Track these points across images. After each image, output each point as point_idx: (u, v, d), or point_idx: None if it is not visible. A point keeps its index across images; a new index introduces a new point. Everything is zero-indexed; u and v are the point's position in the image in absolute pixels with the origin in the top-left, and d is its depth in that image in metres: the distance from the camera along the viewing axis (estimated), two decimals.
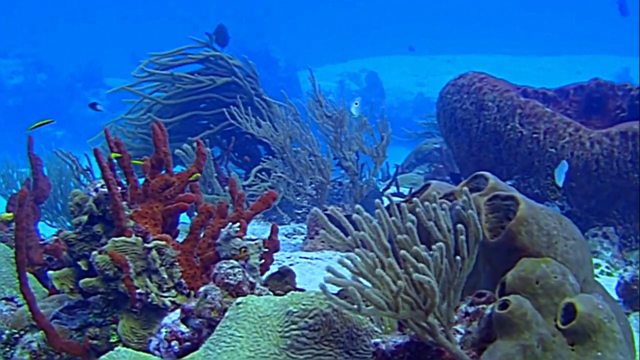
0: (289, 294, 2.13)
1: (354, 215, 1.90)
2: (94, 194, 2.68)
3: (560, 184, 4.13)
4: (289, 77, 19.10)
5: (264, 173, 5.34)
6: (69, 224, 6.11)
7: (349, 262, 1.77)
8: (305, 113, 4.68)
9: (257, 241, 2.51)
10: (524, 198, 2.20)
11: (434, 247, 1.82)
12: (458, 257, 1.89)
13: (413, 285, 1.84)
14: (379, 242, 1.83)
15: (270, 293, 2.50)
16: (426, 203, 2.01)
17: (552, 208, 4.36)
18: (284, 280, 2.79)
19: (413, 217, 1.88)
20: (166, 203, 2.70)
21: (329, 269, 1.75)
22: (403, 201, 2.65)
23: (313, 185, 4.42)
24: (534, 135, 4.33)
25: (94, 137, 6.04)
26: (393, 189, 6.08)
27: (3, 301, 3.00)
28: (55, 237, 3.65)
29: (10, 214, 3.73)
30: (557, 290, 2.01)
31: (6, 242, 3.57)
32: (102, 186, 2.68)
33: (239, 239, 2.50)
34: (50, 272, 3.25)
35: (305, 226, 5.15)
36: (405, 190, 6.19)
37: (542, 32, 35.74)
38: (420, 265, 1.75)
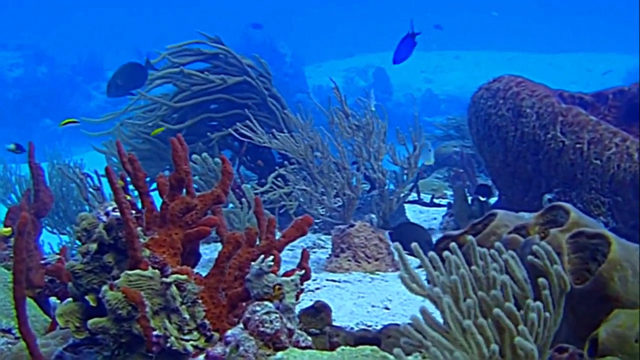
0: (338, 349, 1.80)
1: (430, 253, 1.59)
2: (104, 218, 2.34)
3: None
4: (296, 73, 18.72)
5: (279, 179, 5.01)
6: (69, 228, 5.77)
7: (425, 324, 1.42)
8: (317, 115, 4.39)
9: (293, 278, 2.17)
10: (616, 237, 1.86)
11: (530, 305, 1.49)
12: (547, 314, 1.56)
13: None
14: (466, 296, 1.49)
15: (305, 334, 2.17)
16: (498, 244, 1.67)
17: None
18: (319, 317, 2.46)
19: (500, 274, 1.54)
20: (186, 229, 2.37)
21: (414, 320, 1.41)
22: (463, 232, 2.32)
23: (338, 198, 4.08)
24: (577, 146, 3.99)
25: (94, 133, 5.71)
26: (413, 196, 5.74)
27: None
28: (57, 256, 3.33)
29: (9, 229, 3.39)
30: None
31: (3, 262, 3.25)
32: (113, 209, 2.34)
33: (272, 275, 2.16)
34: (52, 299, 2.93)
35: (324, 237, 4.82)
36: (426, 197, 5.85)
37: (552, 29, 35.24)
38: (521, 327, 1.42)
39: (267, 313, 1.98)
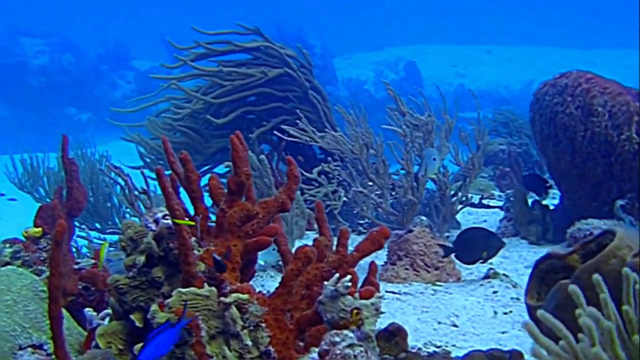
0: None
1: (547, 316, 1.25)
2: (153, 226, 2.05)
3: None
4: (325, 65, 18.29)
5: (322, 176, 4.73)
6: (97, 224, 5.47)
7: None
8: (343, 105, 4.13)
9: (373, 301, 1.87)
10: None
11: None
12: None
13: None
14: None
15: None
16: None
17: None
18: (393, 342, 2.16)
19: None
20: (245, 240, 2.07)
21: None
22: (571, 252, 2.00)
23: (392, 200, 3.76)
24: None
25: (125, 124, 5.42)
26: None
27: (30, 349, 2.38)
28: (92, 261, 3.05)
29: (39, 230, 3.11)
30: None
31: (34, 267, 2.96)
32: (164, 216, 2.04)
33: (350, 298, 1.85)
34: (87, 311, 2.63)
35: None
36: (473, 198, 5.52)
37: (586, 24, 34.47)
38: None
39: (350, 346, 1.68)
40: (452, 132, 3.84)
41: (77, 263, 2.96)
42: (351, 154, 3.71)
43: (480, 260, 3.45)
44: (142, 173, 3.50)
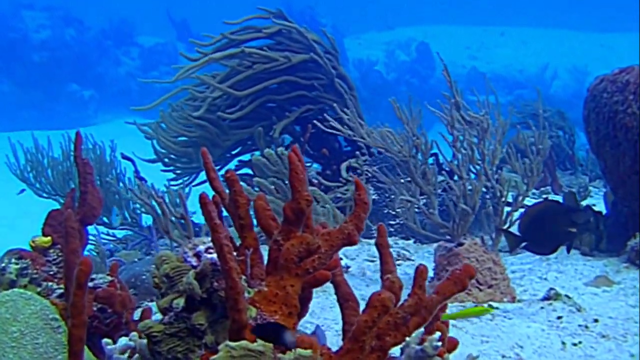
0: None
1: None
2: (194, 261, 1.69)
3: None
4: None
5: (350, 173, 4.40)
6: (104, 219, 5.09)
7: None
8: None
9: None
10: None
11: None
12: None
13: None
14: None
15: None
16: None
17: None
18: None
19: None
20: (304, 278, 1.71)
21: None
22: None
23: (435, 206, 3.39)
24: None
25: (141, 124, 5.03)
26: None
27: None
28: (110, 277, 2.69)
29: (49, 239, 2.75)
30: None
31: (43, 285, 2.61)
32: (206, 250, 1.69)
33: (439, 359, 1.50)
34: (105, 342, 2.28)
35: (402, 243, 4.20)
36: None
37: (604, 6, 33.66)
38: None
39: None
40: (505, 135, 3.50)
41: (92, 280, 2.60)
42: (401, 156, 3.31)
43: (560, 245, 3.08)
44: (181, 195, 3.09)
